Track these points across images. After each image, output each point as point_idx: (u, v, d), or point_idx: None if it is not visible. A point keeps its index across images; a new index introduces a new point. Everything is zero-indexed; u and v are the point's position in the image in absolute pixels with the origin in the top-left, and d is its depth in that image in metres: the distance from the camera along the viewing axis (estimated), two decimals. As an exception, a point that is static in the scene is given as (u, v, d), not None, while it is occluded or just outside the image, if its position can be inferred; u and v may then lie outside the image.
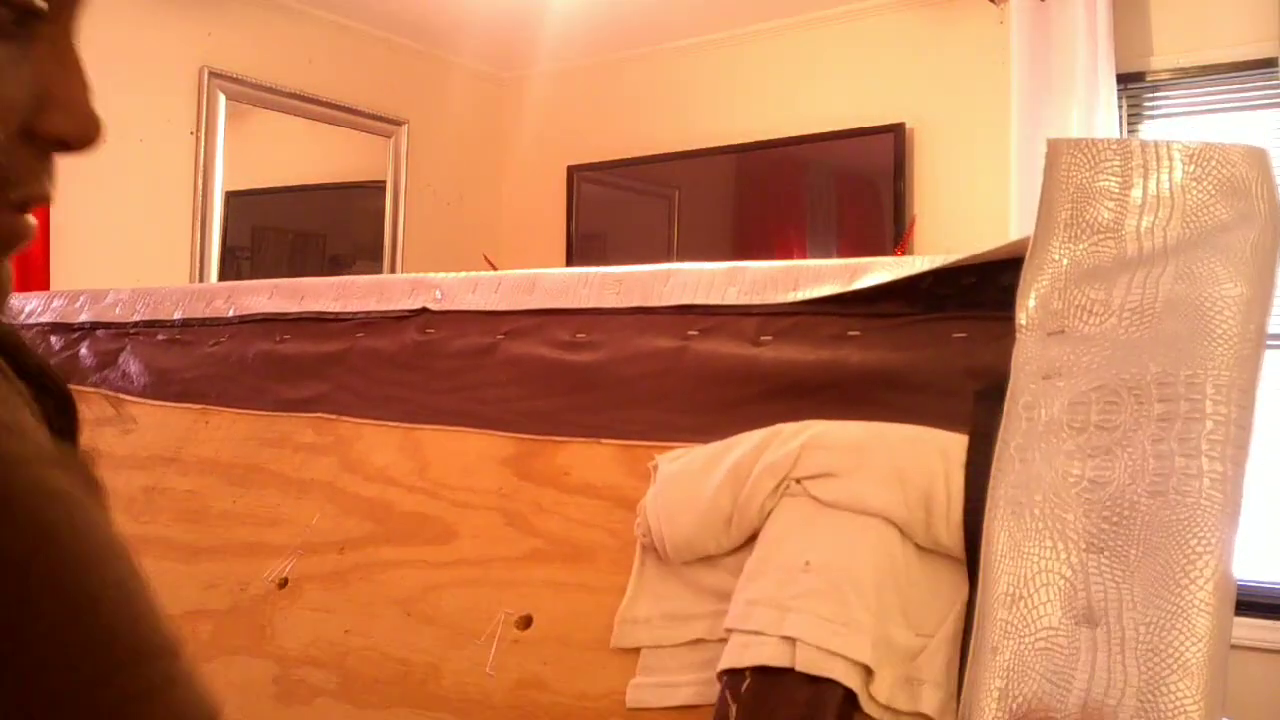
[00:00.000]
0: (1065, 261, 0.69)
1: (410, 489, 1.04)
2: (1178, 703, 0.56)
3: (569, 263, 4.06)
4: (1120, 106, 3.04)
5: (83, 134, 0.41)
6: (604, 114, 4.13)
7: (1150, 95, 3.11)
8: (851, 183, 3.66)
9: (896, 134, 3.37)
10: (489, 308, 1.10)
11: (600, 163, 4.09)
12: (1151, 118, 3.13)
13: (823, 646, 0.67)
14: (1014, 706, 0.60)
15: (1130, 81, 3.05)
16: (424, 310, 1.15)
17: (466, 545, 0.96)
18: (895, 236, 3.36)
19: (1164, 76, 3.04)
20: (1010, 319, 0.71)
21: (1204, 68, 2.96)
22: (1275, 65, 2.81)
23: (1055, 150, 0.70)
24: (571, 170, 4.15)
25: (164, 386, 1.35)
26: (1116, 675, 0.58)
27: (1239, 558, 0.60)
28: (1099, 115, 2.93)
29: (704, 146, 3.79)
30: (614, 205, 4.21)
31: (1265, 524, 2.68)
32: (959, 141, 3.34)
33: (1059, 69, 3.02)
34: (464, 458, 1.03)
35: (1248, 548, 2.67)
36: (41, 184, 0.41)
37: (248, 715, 0.97)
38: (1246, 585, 2.64)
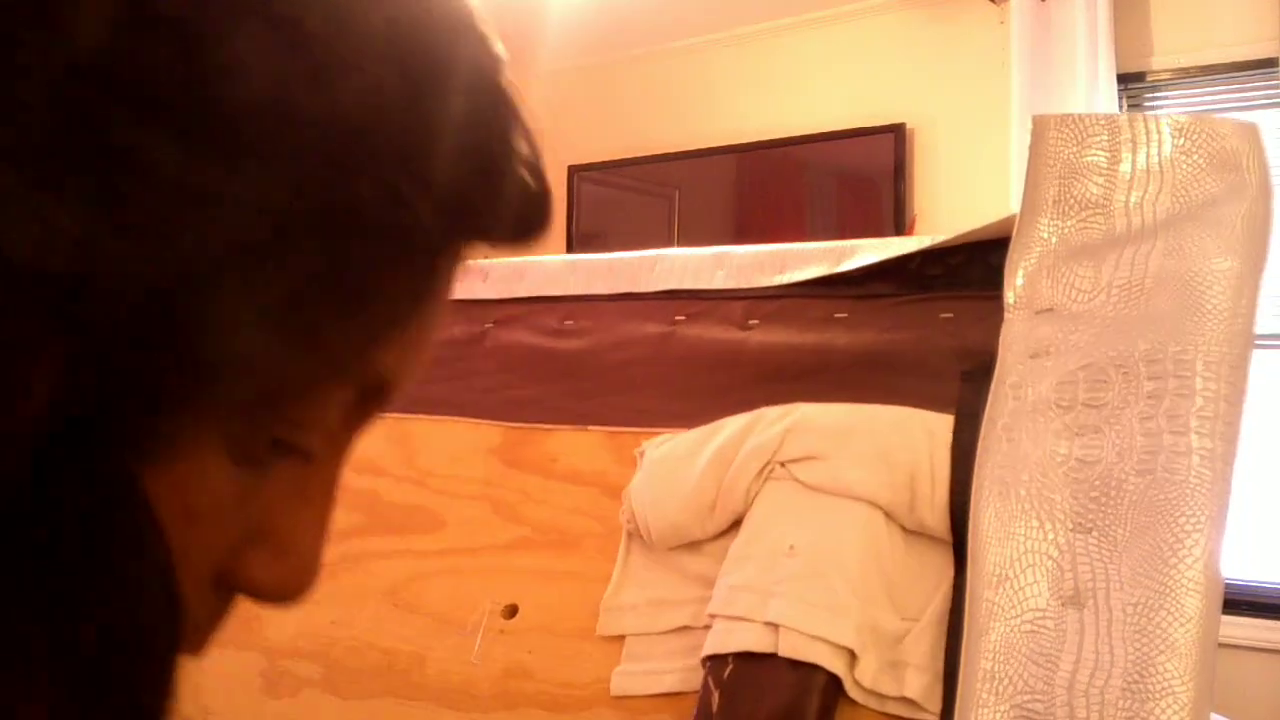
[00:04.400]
0: (1053, 239, 0.67)
1: (398, 479, 1.03)
2: (1165, 683, 0.55)
3: (568, 263, 4.05)
4: (1120, 106, 3.03)
5: (282, 588, 0.29)
6: (604, 114, 4.13)
7: (1150, 95, 3.10)
8: (851, 183, 3.66)
9: (896, 134, 3.36)
10: (478, 296, 1.09)
11: (600, 163, 4.08)
12: (1152, 117, 3.12)
13: (806, 631, 0.66)
14: (1001, 688, 0.59)
15: (1130, 81, 3.04)
16: (413, 299, 1.15)
17: (453, 534, 0.95)
18: (895, 236, 3.35)
19: (1164, 76, 3.03)
20: (998, 298, 0.70)
21: (1204, 68, 2.95)
22: (1275, 65, 2.80)
23: (1041, 125, 0.69)
24: (571, 170, 4.15)
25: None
26: (1104, 656, 0.57)
27: (1232, 544, 0.58)
28: (1099, 115, 2.92)
29: (704, 146, 3.78)
30: (614, 205, 4.20)
31: (1265, 524, 2.66)
32: (959, 141, 3.33)
33: (1059, 69, 3.01)
34: (452, 446, 1.02)
35: (1247, 548, 2.65)
36: (213, 627, 0.30)
37: (235, 707, 0.96)
38: (1246, 585, 2.62)
